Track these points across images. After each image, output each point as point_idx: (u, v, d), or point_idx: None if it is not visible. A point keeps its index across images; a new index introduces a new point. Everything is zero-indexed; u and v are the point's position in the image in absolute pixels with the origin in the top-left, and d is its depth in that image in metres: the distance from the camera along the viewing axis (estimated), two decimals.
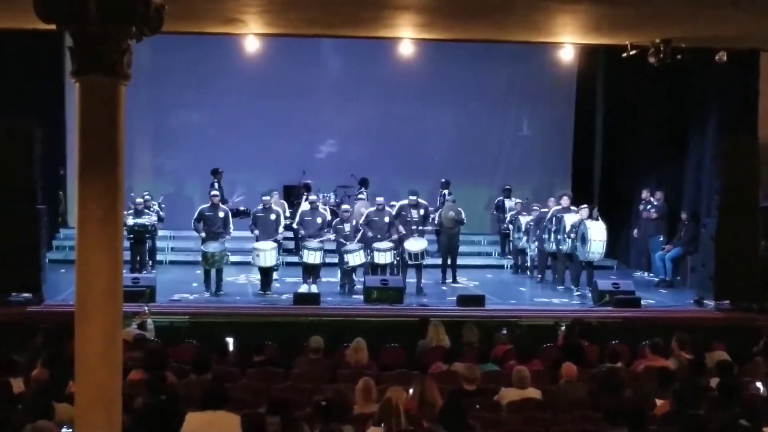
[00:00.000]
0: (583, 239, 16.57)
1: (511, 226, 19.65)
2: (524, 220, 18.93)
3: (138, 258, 17.00)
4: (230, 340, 12.17)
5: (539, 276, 18.36)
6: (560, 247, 17.30)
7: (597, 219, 17.02)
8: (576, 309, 15.46)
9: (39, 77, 18.39)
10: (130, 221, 16.54)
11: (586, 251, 16.52)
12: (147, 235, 17.31)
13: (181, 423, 7.67)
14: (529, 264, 19.17)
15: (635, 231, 19.47)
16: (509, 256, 20.32)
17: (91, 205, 5.99)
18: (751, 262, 15.40)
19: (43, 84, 18.64)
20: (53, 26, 6.22)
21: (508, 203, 20.37)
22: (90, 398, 6.02)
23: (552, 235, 17.50)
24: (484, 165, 22.37)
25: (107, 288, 5.98)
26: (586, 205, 17.30)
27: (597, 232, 16.53)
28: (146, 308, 12.88)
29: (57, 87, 19.00)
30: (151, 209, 17.74)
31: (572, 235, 16.89)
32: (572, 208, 17.43)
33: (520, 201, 19.97)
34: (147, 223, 17.07)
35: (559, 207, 17.63)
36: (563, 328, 13.16)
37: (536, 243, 18.29)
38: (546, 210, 18.20)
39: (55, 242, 19.29)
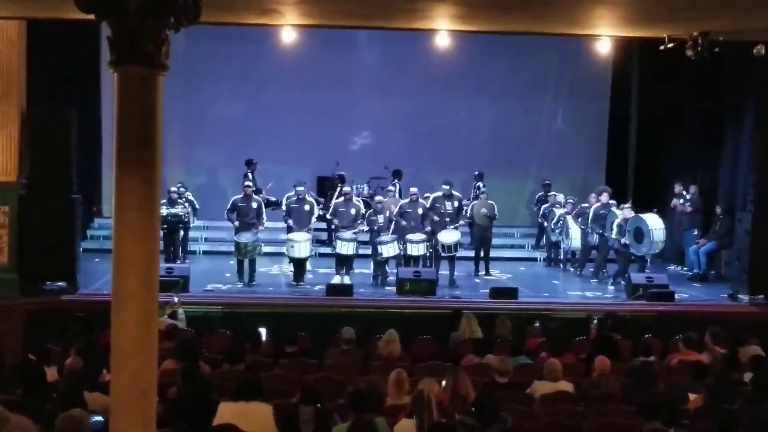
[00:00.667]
0: (639, 234, 16.42)
1: (546, 220, 19.56)
2: (558, 212, 18.84)
3: (171, 248, 17.09)
4: (263, 331, 12.24)
5: (579, 269, 18.26)
6: (610, 243, 17.22)
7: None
8: (609, 302, 15.41)
9: (75, 66, 18.47)
10: (164, 211, 16.60)
11: (649, 242, 16.39)
12: (180, 226, 17.39)
13: (214, 413, 7.71)
14: (562, 257, 19.10)
15: (673, 202, 19.31)
16: (542, 249, 20.26)
17: (128, 194, 6.02)
18: None
19: (79, 73, 18.72)
20: (92, 17, 6.26)
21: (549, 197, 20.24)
22: (125, 387, 6.05)
23: (601, 232, 17.37)
24: (519, 157, 22.31)
25: (143, 277, 6.02)
26: (629, 204, 17.22)
27: (654, 221, 16.46)
28: (176, 298, 12.94)
29: (93, 76, 19.14)
30: (185, 199, 17.83)
31: (616, 232, 16.80)
32: (611, 202, 17.33)
33: (554, 194, 19.87)
34: (180, 213, 17.14)
35: (599, 203, 17.49)
36: (596, 321, 13.12)
37: (569, 235, 18.21)
38: (587, 205, 18.09)
39: (89, 231, 19.44)
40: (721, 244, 17.78)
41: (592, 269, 17.81)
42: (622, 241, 16.69)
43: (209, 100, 21.70)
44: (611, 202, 17.42)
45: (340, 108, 21.52)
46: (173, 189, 17.40)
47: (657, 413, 7.58)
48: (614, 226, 16.84)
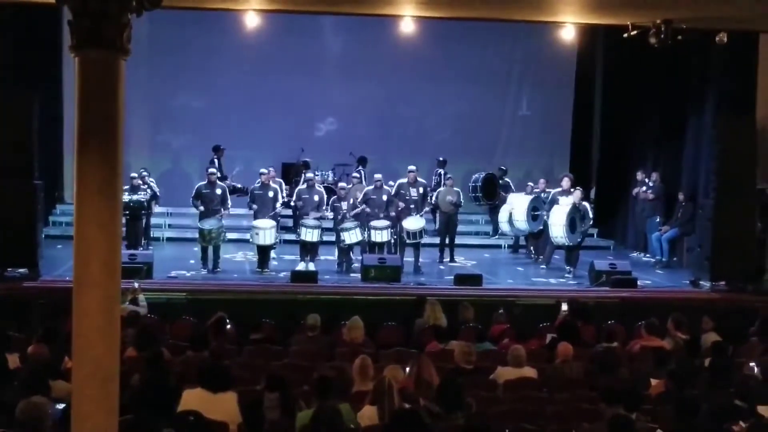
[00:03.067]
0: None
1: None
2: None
3: (134, 235, 16.93)
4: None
5: (537, 256, 18.32)
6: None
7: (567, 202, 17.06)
8: (573, 289, 15.48)
9: (36, 50, 18.26)
10: (126, 197, 16.44)
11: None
12: (143, 212, 17.24)
13: (177, 400, 7.69)
14: (526, 244, 19.16)
15: (635, 190, 19.38)
16: (508, 236, 20.27)
17: (90, 179, 5.96)
18: (747, 244, 15.43)
19: (39, 57, 18.51)
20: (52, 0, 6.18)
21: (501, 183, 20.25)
22: (87, 374, 6.00)
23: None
24: (484, 144, 22.36)
25: (105, 263, 5.96)
26: (579, 188, 17.26)
27: (556, 216, 16.70)
28: (136, 284, 12.83)
29: (54, 60, 18.93)
30: (147, 185, 17.70)
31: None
32: (572, 190, 17.37)
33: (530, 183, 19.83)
34: (142, 200, 17.01)
35: (559, 189, 17.56)
36: (565, 306, 13.17)
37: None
38: (538, 189, 18.23)
39: (51, 218, 19.25)
40: (684, 231, 17.91)
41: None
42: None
43: (174, 86, 21.54)
44: (572, 190, 17.39)
45: (306, 94, 21.44)
46: (134, 175, 17.21)
47: (619, 399, 7.64)
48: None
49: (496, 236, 20.20)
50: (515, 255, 19.54)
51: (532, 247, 18.82)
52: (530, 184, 19.16)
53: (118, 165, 6.07)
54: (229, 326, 11.73)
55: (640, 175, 19.27)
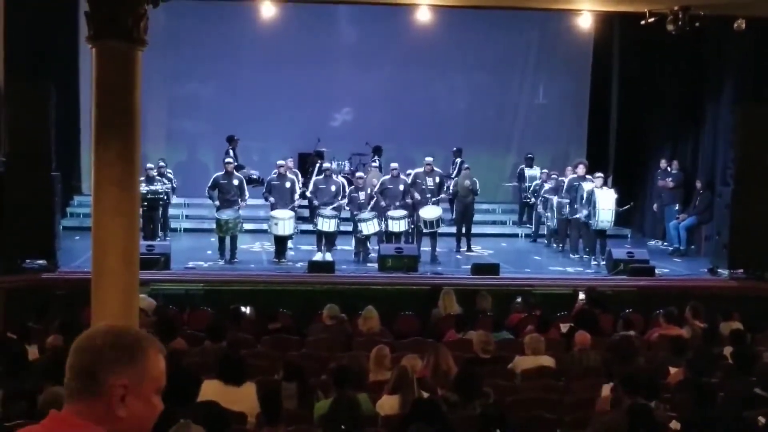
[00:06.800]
0: (594, 208, 16.50)
1: (534, 195, 19.57)
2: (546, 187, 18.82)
3: (151, 225, 16.94)
4: (246, 309, 12.21)
5: (560, 245, 18.27)
6: (576, 215, 17.19)
7: (606, 188, 16.93)
8: (590, 278, 15.44)
9: (53, 41, 18.30)
10: (143, 189, 16.40)
11: (596, 220, 16.47)
12: (160, 203, 17.25)
13: (196, 390, 7.70)
14: (546, 232, 19.10)
15: (654, 205, 19.27)
16: (528, 225, 20.23)
17: (107, 170, 5.98)
18: (765, 231, 15.34)
19: (57, 48, 18.55)
20: None
21: (528, 172, 20.23)
22: None
23: (569, 203, 17.39)
24: (500, 133, 22.30)
25: (123, 254, 5.99)
26: (600, 174, 17.19)
27: (605, 201, 16.46)
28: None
29: (71, 51, 18.94)
30: (165, 176, 17.70)
31: (583, 204, 16.80)
32: (588, 177, 17.30)
33: (541, 170, 19.75)
34: (160, 190, 17.00)
35: (575, 175, 17.52)
36: (582, 295, 13.15)
37: (554, 211, 18.18)
38: (563, 179, 18.13)
39: (69, 209, 19.28)
40: (701, 219, 17.82)
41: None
42: (584, 212, 16.71)
43: (189, 76, 21.55)
44: (588, 176, 17.31)
45: (321, 84, 21.39)
46: (150, 166, 17.17)
47: (638, 387, 7.61)
48: (584, 195, 16.85)
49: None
50: (536, 243, 19.36)
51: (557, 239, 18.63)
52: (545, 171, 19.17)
53: (135, 156, 6.09)
54: (249, 311, 11.77)
55: (663, 164, 19.07)
